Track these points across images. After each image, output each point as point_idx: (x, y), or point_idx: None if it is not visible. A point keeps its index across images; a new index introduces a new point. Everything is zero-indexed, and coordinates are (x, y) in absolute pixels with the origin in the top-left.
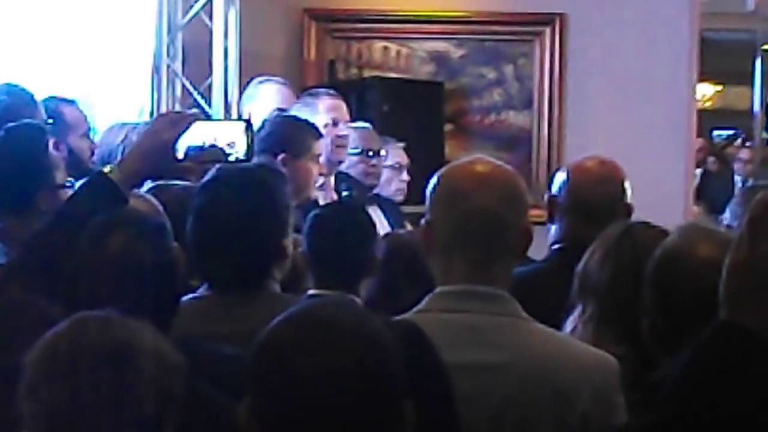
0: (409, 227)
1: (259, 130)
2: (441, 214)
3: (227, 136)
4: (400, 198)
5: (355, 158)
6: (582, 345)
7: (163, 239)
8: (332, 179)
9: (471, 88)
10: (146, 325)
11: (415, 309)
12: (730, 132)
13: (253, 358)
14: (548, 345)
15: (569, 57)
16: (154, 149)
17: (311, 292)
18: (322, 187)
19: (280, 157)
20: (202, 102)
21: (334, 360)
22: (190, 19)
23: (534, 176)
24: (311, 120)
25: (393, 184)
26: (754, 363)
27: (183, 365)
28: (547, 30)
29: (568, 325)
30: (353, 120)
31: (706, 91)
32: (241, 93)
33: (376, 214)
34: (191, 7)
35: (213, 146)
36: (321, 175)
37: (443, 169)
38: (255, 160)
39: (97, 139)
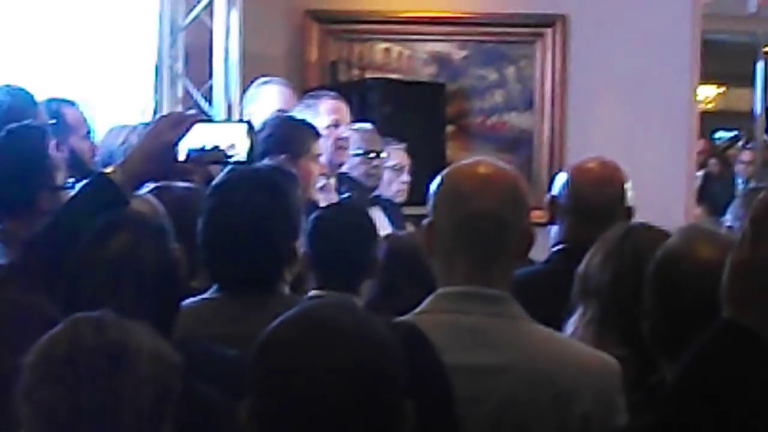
0: (410, 228)
1: (258, 132)
2: (443, 215)
3: (229, 138)
4: (400, 199)
5: (356, 159)
6: (583, 347)
7: (164, 240)
8: (333, 180)
9: (472, 89)
10: (143, 325)
11: (416, 310)
12: (732, 134)
13: (254, 358)
14: (549, 347)
15: (571, 59)
16: (156, 150)
17: (312, 293)
18: (323, 188)
19: (280, 158)
20: (203, 103)
21: (334, 361)
22: (192, 21)
23: (535, 178)
24: (313, 121)
25: (394, 185)
26: (756, 363)
27: (180, 365)
28: (549, 31)
29: (569, 327)
30: (355, 121)
31: (707, 92)
32: (242, 94)
33: (377, 215)
34: (193, 8)
35: (215, 148)
36: (322, 174)
37: (446, 171)
38: (265, 161)
39: (98, 140)
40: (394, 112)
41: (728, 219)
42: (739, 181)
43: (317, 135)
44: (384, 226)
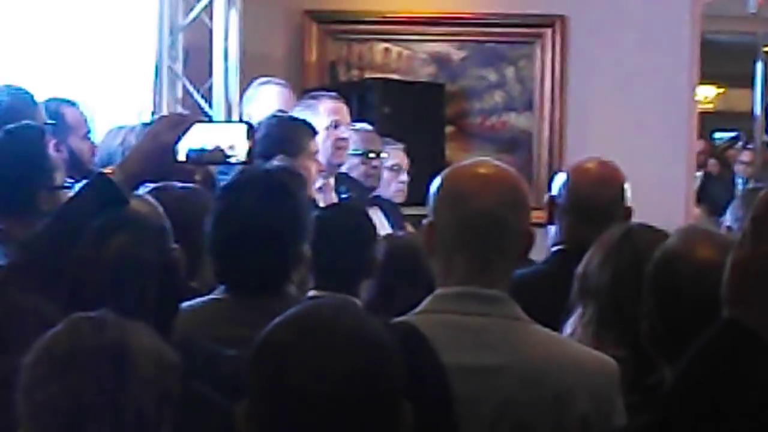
0: (409, 229)
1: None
2: (443, 215)
3: (228, 139)
4: (399, 199)
5: (356, 160)
6: (582, 347)
7: (163, 241)
8: (332, 181)
9: (472, 90)
10: (142, 325)
11: (414, 311)
12: (732, 134)
13: (251, 359)
14: (548, 347)
15: (570, 59)
16: (155, 151)
17: (311, 293)
18: (322, 188)
19: (277, 158)
20: (203, 103)
21: (331, 362)
22: (191, 21)
23: (535, 178)
24: (312, 121)
25: (392, 185)
26: (756, 362)
27: (179, 365)
28: (549, 32)
29: (568, 327)
30: (354, 122)
31: (707, 93)
32: (242, 94)
33: (376, 215)
34: (192, 8)
35: (215, 149)
36: (320, 172)
37: (446, 171)
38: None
39: (98, 141)
40: (393, 112)
41: (727, 219)
42: (739, 181)
43: (314, 133)
44: (383, 227)
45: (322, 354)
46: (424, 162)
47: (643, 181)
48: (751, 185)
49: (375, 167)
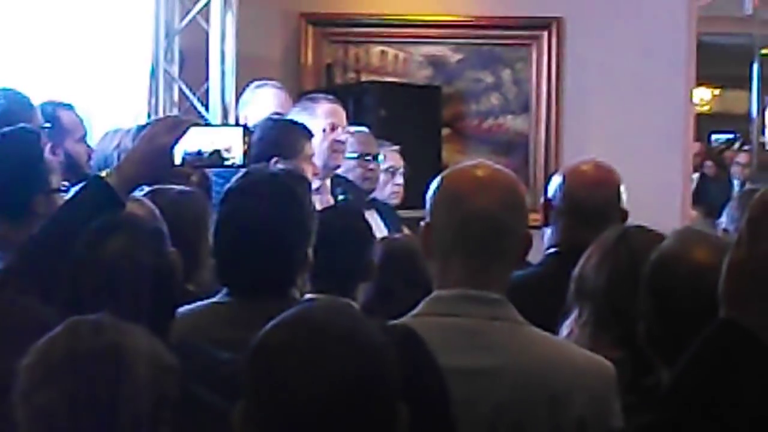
0: (406, 231)
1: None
2: (441, 217)
3: (224, 142)
4: (395, 201)
5: (352, 162)
6: (578, 349)
7: (160, 244)
8: (328, 183)
9: (468, 92)
10: (139, 328)
11: (411, 313)
12: (728, 136)
13: (246, 361)
14: (544, 349)
15: (567, 61)
16: (152, 154)
17: (308, 296)
18: (318, 191)
19: (273, 160)
20: (199, 106)
21: (325, 364)
22: (188, 24)
23: (531, 180)
24: (309, 124)
25: (388, 187)
26: (753, 362)
27: (177, 368)
28: (545, 34)
29: (565, 329)
30: (350, 124)
31: (703, 95)
32: (238, 97)
33: (373, 218)
34: (188, 11)
35: (211, 152)
36: (315, 175)
37: (445, 173)
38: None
39: (94, 144)
40: (389, 115)
41: (724, 221)
42: (735, 183)
43: (310, 136)
44: (380, 229)
45: (315, 356)
46: (421, 164)
47: (640, 183)
48: (747, 187)
49: (372, 170)
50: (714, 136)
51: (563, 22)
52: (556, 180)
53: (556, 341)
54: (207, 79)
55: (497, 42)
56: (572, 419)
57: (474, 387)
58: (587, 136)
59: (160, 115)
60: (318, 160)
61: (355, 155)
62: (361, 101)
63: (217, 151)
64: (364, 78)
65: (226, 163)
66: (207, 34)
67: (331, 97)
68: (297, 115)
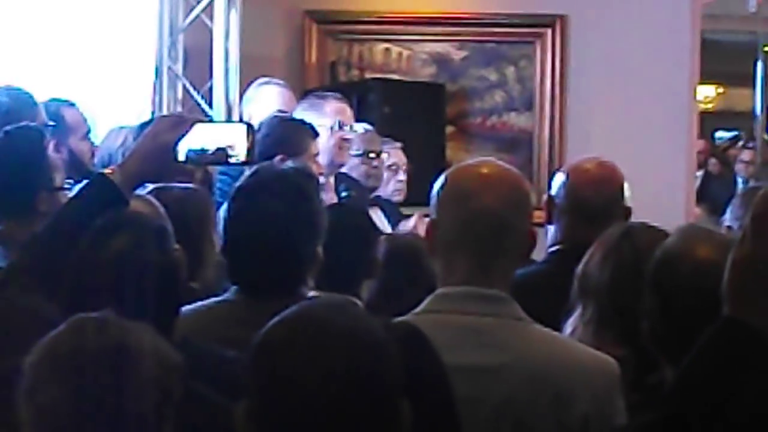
0: (413, 221)
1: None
2: (445, 214)
3: (228, 139)
4: (398, 198)
5: (356, 160)
6: (582, 347)
7: (164, 241)
8: (332, 180)
9: (472, 90)
10: (144, 326)
11: (415, 310)
12: (732, 133)
13: (248, 359)
14: (548, 347)
15: (570, 59)
16: (155, 151)
17: (311, 294)
18: (322, 188)
19: (278, 158)
20: (203, 104)
21: (326, 361)
22: (191, 22)
23: (535, 178)
24: (317, 121)
25: (390, 184)
26: (756, 359)
27: (181, 365)
28: (549, 32)
29: (568, 327)
30: (354, 122)
31: (707, 92)
32: (242, 95)
33: (377, 215)
34: (192, 9)
35: (215, 149)
36: (320, 174)
37: (450, 170)
38: (290, 164)
39: (97, 141)
40: (393, 112)
41: (728, 219)
42: (739, 180)
43: (315, 135)
44: (383, 227)
45: (316, 353)
46: (425, 162)
47: (644, 180)
48: (751, 184)
49: (375, 167)
50: (718, 134)
51: (567, 19)
52: (559, 178)
53: (560, 339)
54: (211, 77)
55: (501, 39)
56: (576, 417)
57: (478, 384)
58: (591, 134)
59: (164, 112)
60: (324, 158)
61: (359, 153)
62: (365, 99)
63: (221, 149)
64: (367, 75)
65: (230, 160)
66: (211, 32)
67: (339, 95)
68: (304, 112)
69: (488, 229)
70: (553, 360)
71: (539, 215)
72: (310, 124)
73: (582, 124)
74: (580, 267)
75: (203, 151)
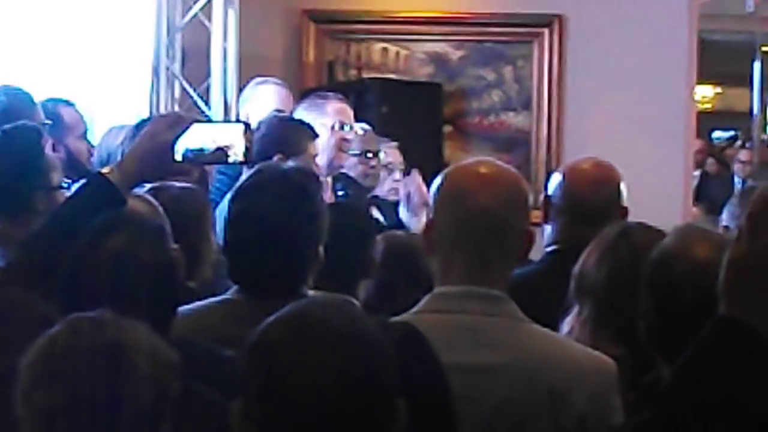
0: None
1: (254, 131)
2: (443, 213)
3: (226, 138)
4: (393, 198)
5: (354, 159)
6: (579, 346)
7: (162, 240)
8: (330, 180)
9: (470, 89)
10: (140, 324)
11: (413, 310)
12: (730, 133)
13: (244, 358)
14: (545, 346)
15: (568, 58)
16: (153, 150)
17: (309, 293)
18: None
19: (275, 158)
20: (200, 103)
21: (322, 360)
22: (189, 21)
23: (533, 177)
24: (318, 121)
25: (386, 183)
26: (752, 358)
27: (178, 364)
28: (546, 31)
29: (565, 326)
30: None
31: (705, 92)
32: (239, 94)
33: (374, 215)
34: (190, 8)
35: (212, 148)
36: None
37: (448, 169)
38: (292, 163)
39: (95, 141)
40: (391, 112)
41: (725, 218)
42: (737, 180)
43: (314, 135)
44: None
45: (312, 352)
46: (422, 162)
47: (642, 180)
48: (749, 184)
49: (373, 167)
50: (715, 134)
51: (565, 19)
52: (556, 178)
53: (557, 338)
54: (208, 76)
55: (499, 39)
56: (573, 416)
57: (475, 384)
58: (589, 133)
59: (162, 112)
60: (324, 157)
61: (357, 152)
62: (363, 98)
63: (219, 148)
64: (365, 75)
65: (228, 159)
66: (209, 31)
67: (340, 96)
68: (305, 111)
69: (486, 228)
70: (550, 359)
71: (536, 215)
72: (308, 124)
73: (579, 123)
74: (577, 267)
75: (201, 150)
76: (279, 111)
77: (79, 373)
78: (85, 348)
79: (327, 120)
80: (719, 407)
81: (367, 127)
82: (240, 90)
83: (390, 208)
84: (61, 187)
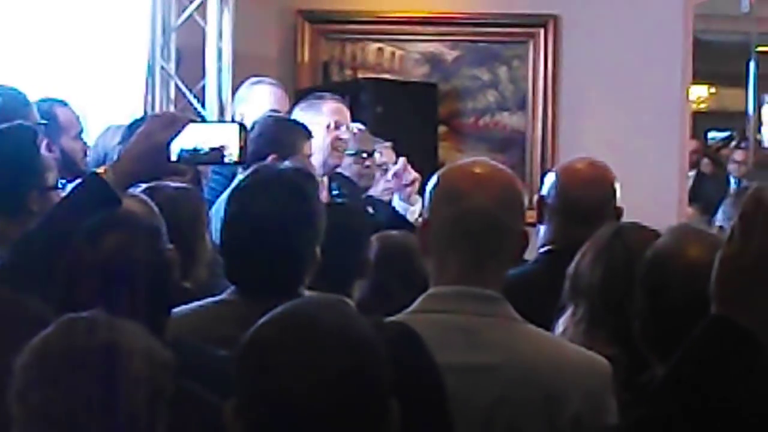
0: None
1: (249, 131)
2: (438, 213)
3: (221, 139)
4: (387, 197)
5: (349, 159)
6: (573, 347)
7: (157, 241)
8: (326, 180)
9: (465, 89)
10: (134, 325)
11: (408, 310)
12: (725, 133)
13: (237, 357)
14: (540, 347)
15: (563, 59)
16: (148, 151)
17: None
18: None
19: (270, 158)
20: (195, 103)
21: (315, 359)
22: (184, 21)
23: (527, 178)
24: (314, 121)
25: (380, 183)
26: (744, 357)
27: (172, 364)
28: (541, 32)
29: (560, 327)
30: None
31: (700, 92)
32: (234, 94)
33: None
34: (185, 8)
35: (208, 149)
36: None
37: (442, 170)
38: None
39: (90, 141)
40: (386, 112)
41: (720, 219)
42: (732, 180)
43: (308, 135)
44: None
45: (304, 352)
46: (417, 162)
47: (636, 180)
48: (744, 184)
49: (368, 167)
50: (710, 134)
51: (560, 19)
52: (550, 178)
53: (551, 338)
54: (204, 76)
55: (494, 39)
56: (568, 416)
57: (470, 384)
58: (583, 134)
59: (157, 112)
60: (319, 157)
61: (352, 152)
62: (358, 98)
63: (214, 148)
64: (360, 75)
65: (224, 160)
66: (204, 31)
67: (337, 96)
68: (302, 111)
69: (481, 228)
70: (545, 360)
71: (531, 215)
72: (303, 124)
73: (574, 124)
74: (572, 267)
75: (196, 150)
76: (274, 111)
77: (74, 374)
78: (79, 348)
79: (323, 119)
80: (711, 406)
81: (362, 127)
82: (235, 90)
83: (385, 208)
84: (57, 187)
